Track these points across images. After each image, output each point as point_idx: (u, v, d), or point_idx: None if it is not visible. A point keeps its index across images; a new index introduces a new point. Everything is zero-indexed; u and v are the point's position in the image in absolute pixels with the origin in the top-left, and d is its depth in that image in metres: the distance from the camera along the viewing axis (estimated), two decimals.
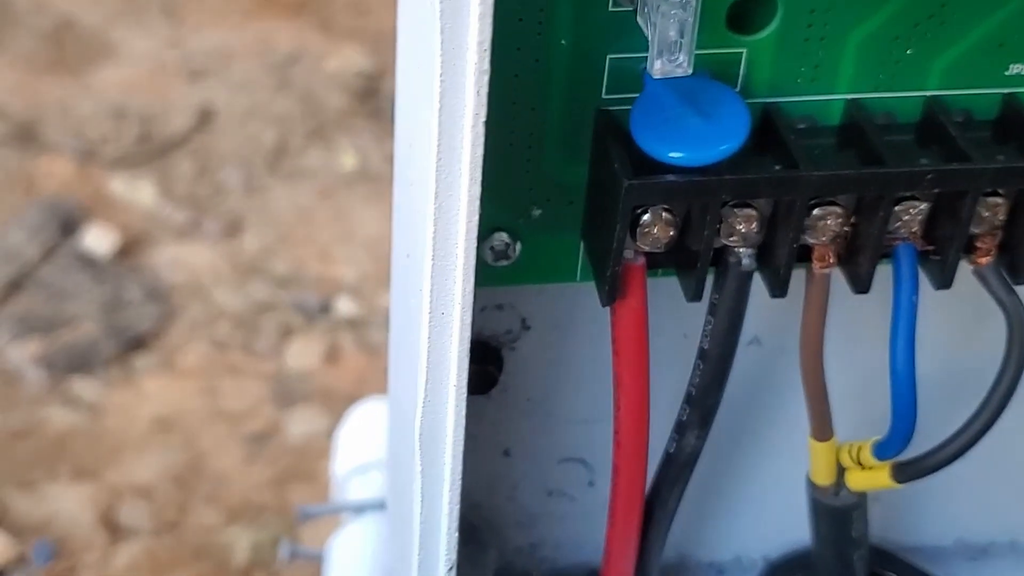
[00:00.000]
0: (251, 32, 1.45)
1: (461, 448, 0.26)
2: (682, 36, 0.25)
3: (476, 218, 0.23)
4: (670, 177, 0.27)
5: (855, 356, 0.34)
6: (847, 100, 0.29)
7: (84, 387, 0.99)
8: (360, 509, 0.57)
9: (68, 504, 0.90)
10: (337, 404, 1.00)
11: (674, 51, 0.25)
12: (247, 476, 0.93)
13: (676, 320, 0.34)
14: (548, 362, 0.35)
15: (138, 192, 1.22)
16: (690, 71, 0.25)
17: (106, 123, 1.30)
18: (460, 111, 0.22)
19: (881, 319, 0.30)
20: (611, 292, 0.28)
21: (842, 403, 0.32)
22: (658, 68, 0.25)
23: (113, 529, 0.89)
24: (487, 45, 0.21)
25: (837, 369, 0.32)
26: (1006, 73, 0.29)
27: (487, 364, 0.34)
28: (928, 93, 0.29)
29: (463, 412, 0.26)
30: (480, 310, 0.34)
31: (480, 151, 0.22)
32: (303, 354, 1.06)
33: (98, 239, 1.14)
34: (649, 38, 0.25)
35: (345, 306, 1.11)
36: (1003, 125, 0.30)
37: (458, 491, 0.27)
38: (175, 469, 0.94)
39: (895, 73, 0.29)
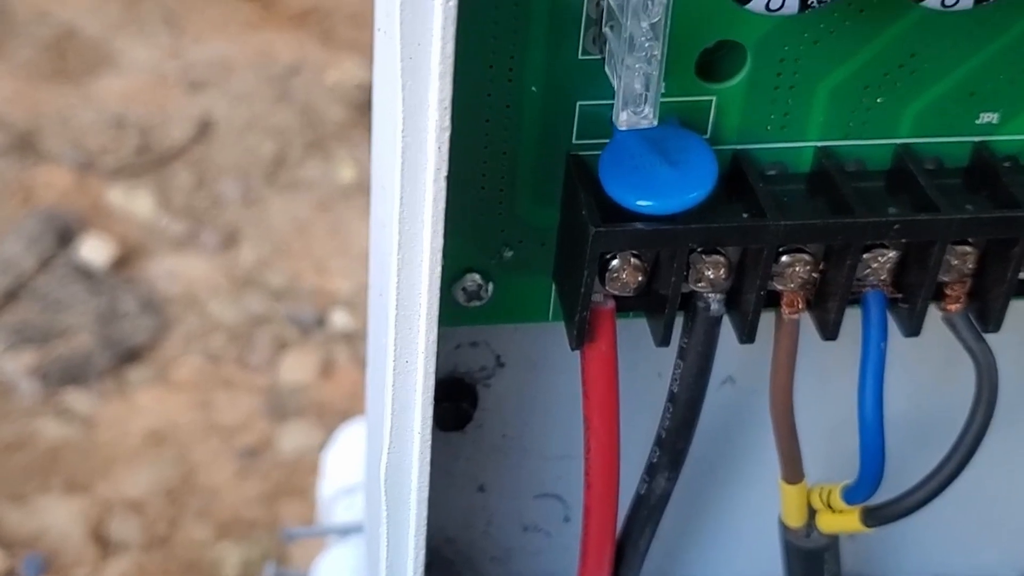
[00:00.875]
0: (252, 43, 1.45)
1: (426, 493, 0.26)
2: (647, 89, 0.25)
3: (439, 270, 0.23)
4: (638, 225, 0.27)
5: (826, 399, 0.34)
6: (817, 147, 0.29)
7: (77, 399, 0.99)
8: (345, 532, 0.57)
9: (59, 518, 0.90)
10: (331, 419, 1.00)
11: (639, 103, 0.25)
12: (238, 491, 0.94)
13: (650, 359, 0.34)
14: (523, 399, 0.35)
15: (136, 203, 1.22)
16: (655, 123, 0.26)
17: (105, 133, 1.30)
18: (422, 166, 0.22)
19: (852, 363, 0.30)
20: (579, 336, 0.29)
21: (813, 445, 0.32)
22: (623, 120, 0.25)
23: (104, 543, 0.89)
24: (448, 103, 0.21)
25: (808, 412, 0.32)
26: (977, 122, 0.29)
27: (461, 401, 0.34)
28: (899, 141, 0.29)
29: (427, 459, 0.26)
30: (455, 347, 0.34)
31: (442, 205, 0.22)
32: (297, 368, 1.06)
33: (95, 250, 1.15)
34: (615, 90, 0.25)
35: (341, 319, 1.11)
36: (974, 173, 0.30)
37: (423, 534, 0.27)
38: (167, 483, 0.94)
39: (866, 121, 0.29)
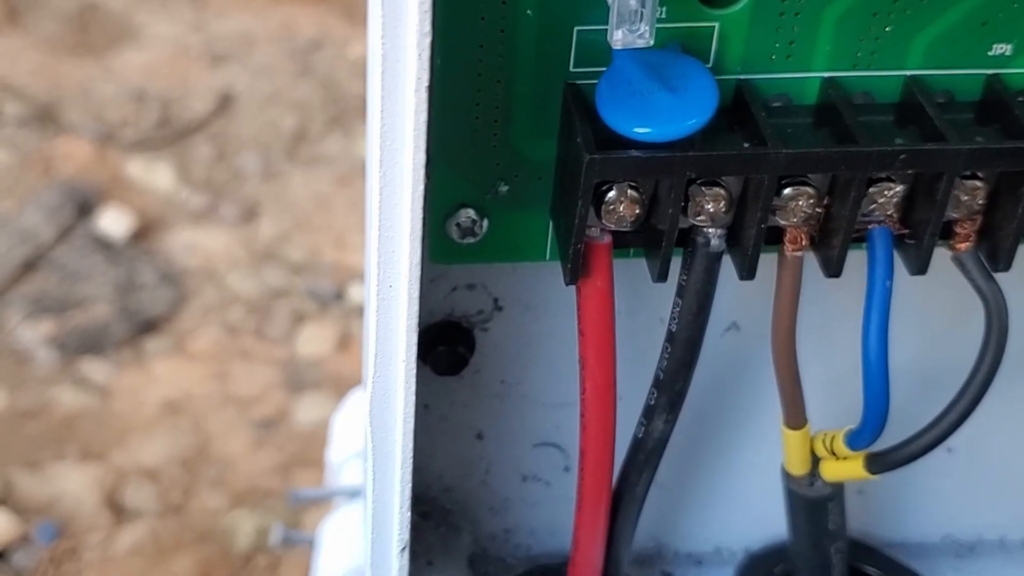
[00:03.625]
0: (274, 17, 1.45)
1: (411, 426, 0.25)
2: (643, 5, 0.24)
3: (421, 188, 0.23)
4: (634, 152, 0.26)
5: (831, 343, 0.33)
6: (823, 78, 0.28)
7: (94, 369, 0.99)
8: (352, 494, 0.57)
9: (73, 485, 0.91)
10: (347, 391, 1.00)
11: (634, 20, 0.24)
12: (253, 461, 0.93)
13: (652, 303, 0.33)
14: (522, 344, 0.34)
15: (155, 176, 1.22)
16: (651, 42, 0.25)
17: (126, 106, 1.30)
18: (402, 75, 0.21)
19: (857, 305, 0.29)
20: (574, 271, 0.28)
21: (817, 392, 0.32)
22: (618, 38, 0.24)
23: (117, 511, 0.89)
24: (427, 7, 0.20)
25: (812, 357, 0.31)
26: (989, 53, 0.28)
27: (458, 345, 0.34)
28: (908, 72, 0.28)
29: (412, 389, 0.25)
30: (451, 290, 0.33)
31: (424, 117, 0.22)
32: (315, 340, 1.05)
33: (114, 222, 1.15)
34: (609, 7, 0.24)
35: (359, 293, 1.10)
36: (985, 106, 0.29)
37: (409, 470, 0.26)
38: (182, 452, 0.94)
39: (874, 51, 0.28)
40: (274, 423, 0.97)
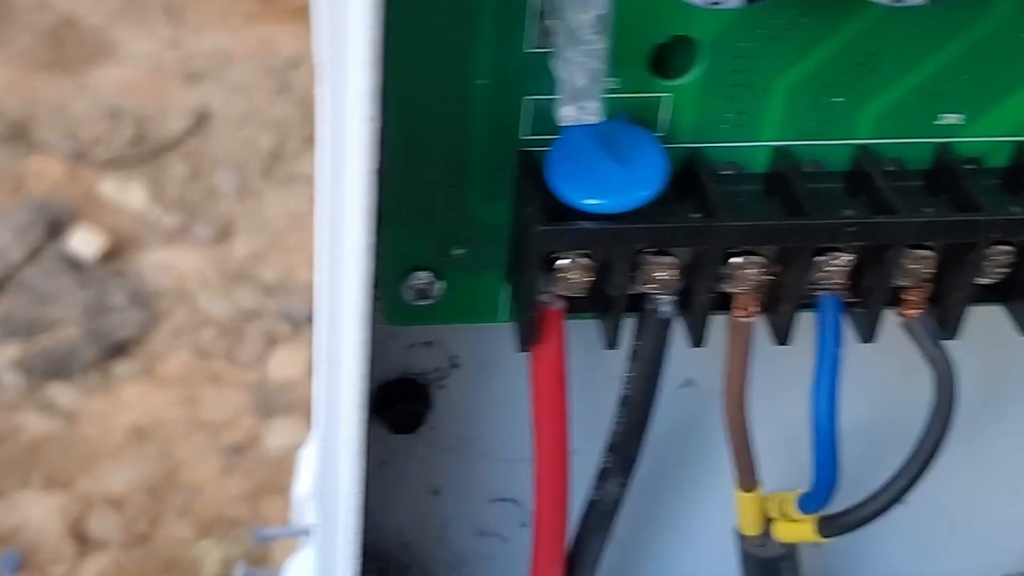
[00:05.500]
0: (253, 36, 1.44)
1: (359, 500, 0.25)
2: (592, 83, 0.24)
3: (370, 269, 0.23)
4: (584, 224, 0.26)
5: (783, 405, 0.33)
6: (774, 147, 0.29)
7: (61, 393, 0.99)
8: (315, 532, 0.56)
9: (38, 513, 0.90)
10: None
11: (583, 99, 0.24)
12: (222, 488, 0.93)
13: (606, 363, 0.33)
14: (478, 400, 0.34)
15: (129, 194, 1.21)
16: (601, 119, 0.25)
17: (100, 123, 1.29)
18: (349, 158, 0.21)
19: (809, 368, 0.29)
20: (525, 338, 0.28)
21: (771, 452, 0.32)
22: (568, 115, 0.25)
23: (82, 540, 0.89)
24: (372, 92, 0.20)
25: (765, 418, 0.32)
26: (938, 123, 0.29)
27: (413, 403, 0.34)
28: (858, 142, 0.29)
29: (358, 468, 0.25)
30: (407, 347, 0.33)
31: (371, 199, 0.22)
32: (287, 364, 1.05)
33: (85, 242, 1.14)
34: (558, 84, 0.25)
35: None
36: (935, 176, 0.29)
37: (355, 546, 0.26)
38: (149, 480, 0.93)
39: (824, 121, 0.28)
40: (244, 449, 0.96)
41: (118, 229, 1.17)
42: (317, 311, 0.31)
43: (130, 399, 0.99)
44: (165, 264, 1.14)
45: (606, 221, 0.26)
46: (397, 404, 0.33)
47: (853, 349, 0.29)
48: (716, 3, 0.23)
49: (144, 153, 1.26)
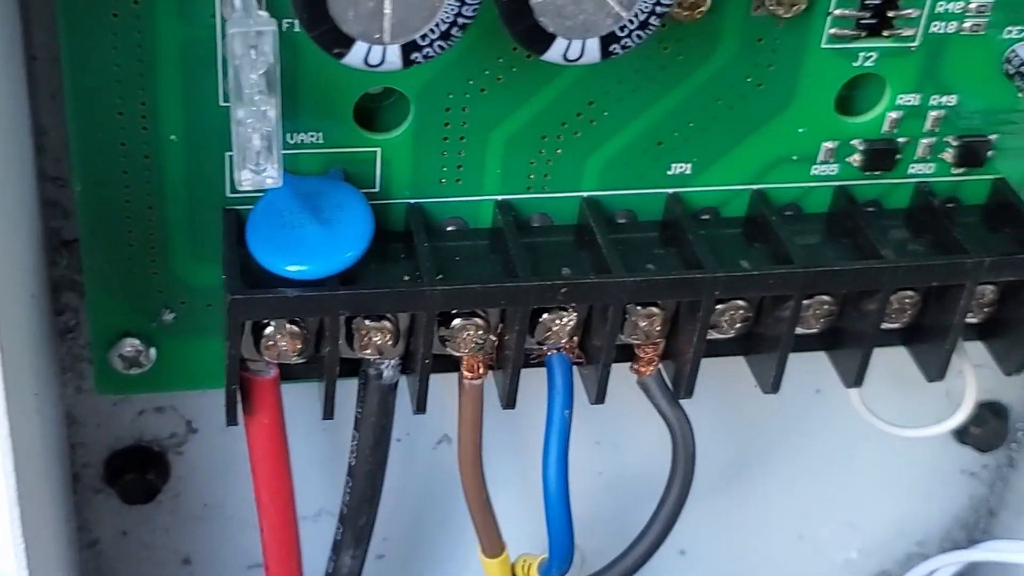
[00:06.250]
0: None
1: None
2: (269, 147, 0.23)
3: None
4: (283, 291, 0.25)
5: (527, 464, 0.32)
6: (497, 201, 0.27)
7: None
8: None
9: None
10: None
11: (260, 162, 0.23)
12: None
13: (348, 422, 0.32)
14: (221, 465, 0.33)
15: None
16: (280, 184, 0.23)
17: None
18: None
19: None
20: (231, 411, 0.26)
21: (518, 512, 0.30)
22: (245, 179, 0.23)
23: None
24: None
25: (509, 478, 0.30)
26: (668, 172, 0.28)
27: (147, 472, 0.32)
28: (585, 194, 0.28)
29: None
30: (138, 414, 0.31)
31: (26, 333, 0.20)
32: None
33: None
34: (233, 147, 0.23)
35: None
36: (667, 227, 0.28)
37: None
38: None
39: (547, 173, 0.27)
40: None
41: None
42: None
43: None
44: None
45: (309, 287, 0.25)
46: (129, 474, 0.31)
47: (610, 402, 0.28)
48: (375, 67, 0.22)
49: None
